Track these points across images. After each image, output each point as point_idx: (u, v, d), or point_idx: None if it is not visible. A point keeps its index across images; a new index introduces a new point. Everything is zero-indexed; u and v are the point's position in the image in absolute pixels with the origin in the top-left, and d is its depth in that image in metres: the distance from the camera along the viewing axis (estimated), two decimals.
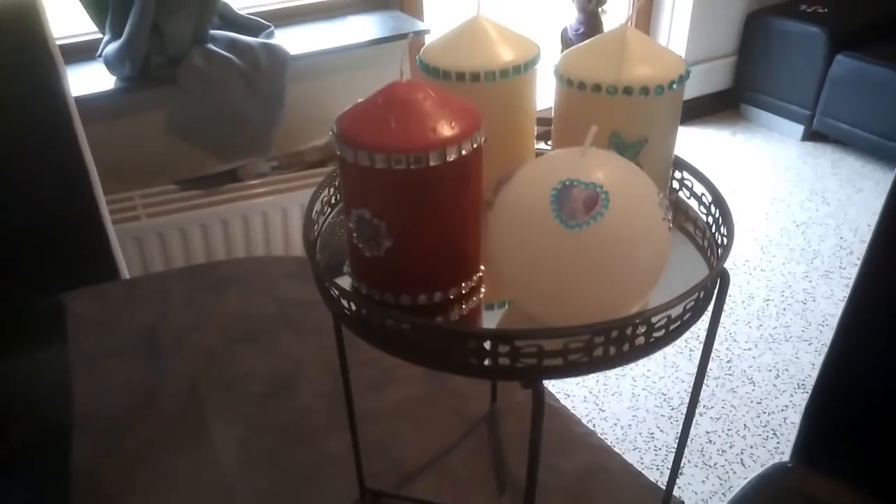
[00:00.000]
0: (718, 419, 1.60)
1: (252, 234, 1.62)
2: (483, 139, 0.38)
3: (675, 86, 0.42)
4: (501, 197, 0.37)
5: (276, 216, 1.61)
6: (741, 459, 1.51)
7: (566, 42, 2.16)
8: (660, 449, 1.54)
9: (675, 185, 0.50)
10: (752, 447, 1.53)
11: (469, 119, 0.37)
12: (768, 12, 2.47)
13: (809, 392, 1.65)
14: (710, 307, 0.41)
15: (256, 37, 1.59)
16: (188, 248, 1.58)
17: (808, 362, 1.73)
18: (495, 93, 0.45)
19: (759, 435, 1.56)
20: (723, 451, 1.53)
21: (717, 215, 0.45)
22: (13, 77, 0.98)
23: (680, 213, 0.49)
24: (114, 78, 1.51)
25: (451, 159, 0.36)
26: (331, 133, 0.38)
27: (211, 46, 1.52)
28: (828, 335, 1.79)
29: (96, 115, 1.50)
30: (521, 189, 0.36)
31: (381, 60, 1.79)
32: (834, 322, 1.79)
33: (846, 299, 0.92)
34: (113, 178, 1.54)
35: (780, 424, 1.58)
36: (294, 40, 1.64)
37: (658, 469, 1.49)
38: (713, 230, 0.45)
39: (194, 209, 1.56)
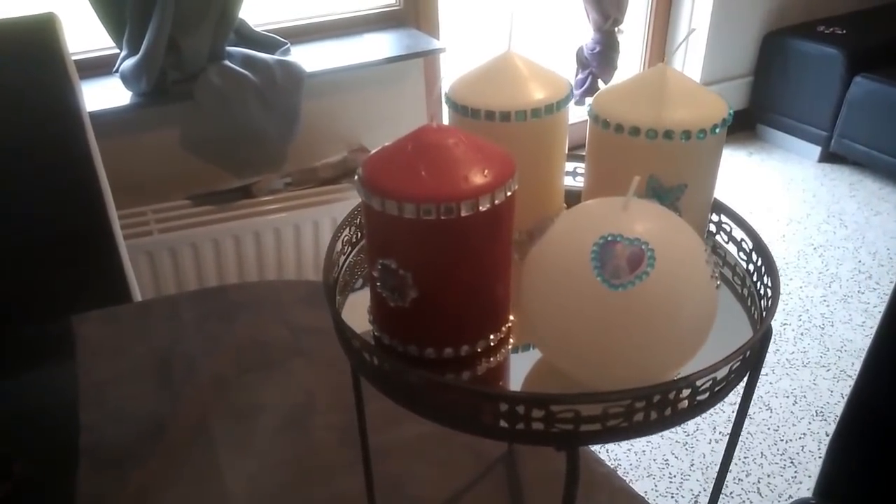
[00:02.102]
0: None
1: (264, 251, 1.61)
2: (516, 186, 0.36)
3: (717, 130, 0.40)
4: (537, 250, 0.35)
5: (288, 232, 1.60)
6: (758, 489, 1.47)
7: (582, 61, 2.15)
8: (674, 476, 1.50)
9: (713, 227, 0.47)
10: (769, 476, 1.50)
11: (502, 166, 0.35)
12: (785, 33, 2.45)
13: (827, 419, 1.61)
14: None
15: (272, 54, 1.58)
16: (200, 264, 1.57)
17: (825, 389, 1.69)
18: (526, 132, 0.43)
19: (777, 463, 1.52)
20: (739, 479, 1.49)
21: (759, 263, 0.43)
22: (29, 94, 0.98)
23: (717, 258, 0.46)
24: (130, 93, 1.51)
25: (483, 209, 0.34)
26: (356, 178, 0.36)
27: (227, 63, 1.51)
28: (846, 361, 1.76)
29: (112, 130, 1.50)
30: (559, 243, 0.34)
31: (397, 79, 1.78)
32: (852, 348, 1.76)
33: (873, 332, 0.89)
34: (126, 193, 1.53)
35: (797, 453, 1.55)
36: (310, 57, 1.63)
37: (673, 497, 1.46)
38: (755, 279, 0.43)
39: (207, 225, 1.55)
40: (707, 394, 0.34)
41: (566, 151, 0.47)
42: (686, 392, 0.33)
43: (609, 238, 0.32)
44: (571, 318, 0.33)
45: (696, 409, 0.34)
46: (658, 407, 0.33)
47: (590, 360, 0.33)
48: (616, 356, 0.32)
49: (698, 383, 0.33)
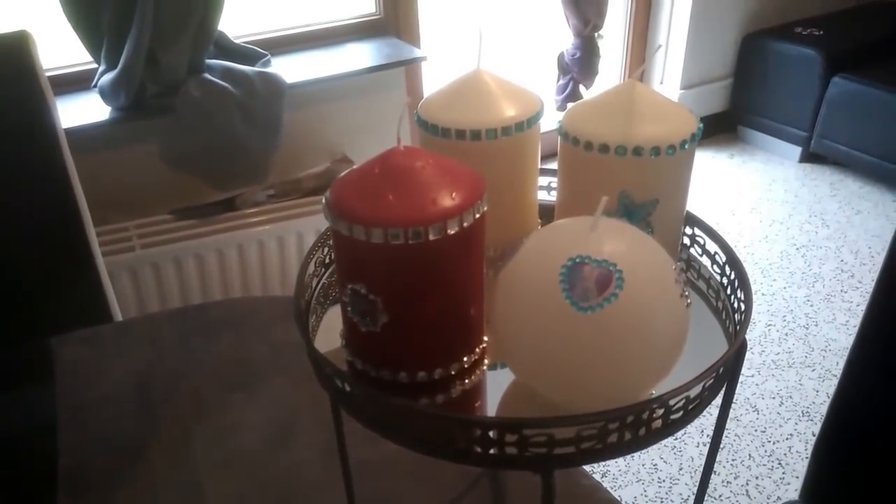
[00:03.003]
0: (722, 449, 1.57)
1: (248, 264, 1.60)
2: (485, 208, 0.36)
3: (687, 145, 0.40)
4: (507, 272, 0.35)
5: (272, 245, 1.59)
6: (746, 490, 1.48)
7: (563, 67, 2.16)
8: (663, 481, 1.50)
9: (686, 240, 0.47)
10: (757, 478, 1.50)
11: (471, 187, 0.35)
12: (764, 35, 2.47)
13: (814, 420, 1.62)
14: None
15: (253, 65, 1.57)
16: (183, 279, 1.56)
17: (811, 389, 1.70)
18: (497, 150, 0.43)
19: (765, 465, 1.53)
20: (728, 482, 1.50)
21: (732, 277, 0.43)
22: (2, 112, 0.97)
23: (691, 271, 0.46)
24: (109, 108, 1.49)
25: (451, 232, 0.34)
26: (323, 202, 0.36)
27: (207, 76, 1.50)
28: (831, 360, 1.77)
29: (92, 146, 1.49)
30: (528, 265, 0.34)
31: (378, 88, 1.78)
32: (836, 347, 1.78)
33: (855, 333, 0.89)
34: (108, 209, 1.52)
35: (785, 454, 1.55)
36: (291, 68, 1.63)
37: (662, 502, 1.46)
38: (728, 293, 0.43)
39: (189, 239, 1.54)
40: (681, 412, 0.34)
41: (539, 167, 0.47)
42: (660, 412, 0.33)
43: (577, 260, 0.32)
44: (542, 341, 0.33)
45: (671, 427, 0.34)
46: (632, 428, 0.33)
47: (562, 382, 0.33)
48: (588, 378, 0.32)
49: (671, 402, 0.33)
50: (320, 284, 0.46)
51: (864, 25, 2.50)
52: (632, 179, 0.41)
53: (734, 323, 0.41)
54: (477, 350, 0.39)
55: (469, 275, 0.36)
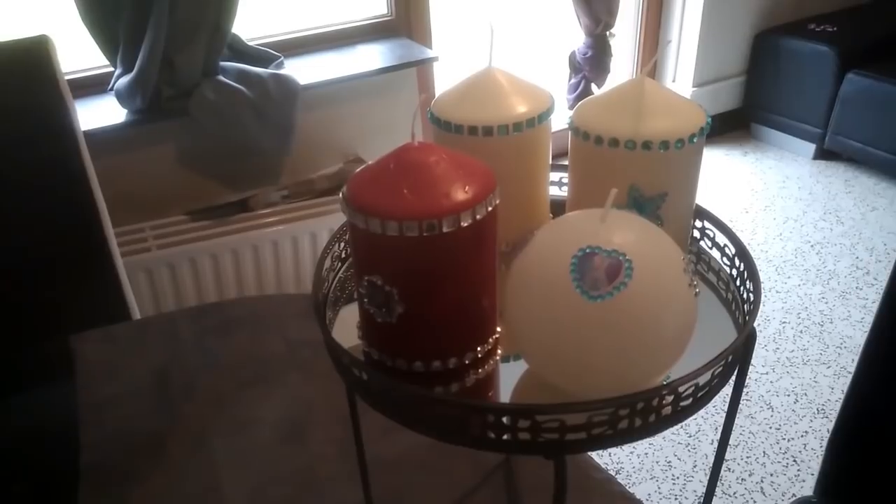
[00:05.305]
0: (737, 446, 1.56)
1: (262, 264, 1.61)
2: (497, 201, 0.37)
3: (695, 139, 0.41)
4: (518, 263, 0.36)
5: (286, 245, 1.61)
6: (761, 488, 1.47)
7: (574, 66, 2.16)
8: (677, 478, 1.50)
9: (696, 233, 0.48)
10: (772, 475, 1.50)
11: (483, 181, 0.36)
12: (777, 32, 2.46)
13: (829, 417, 1.61)
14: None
15: (266, 68, 1.59)
16: (198, 279, 1.58)
17: (826, 386, 1.69)
18: (509, 146, 0.44)
19: (780, 462, 1.52)
20: (742, 479, 1.49)
21: (741, 268, 0.43)
22: (23, 115, 0.99)
23: (701, 264, 0.47)
24: (125, 111, 1.52)
25: (465, 224, 0.35)
26: (341, 197, 0.37)
27: (221, 78, 1.52)
28: (846, 358, 1.76)
29: (108, 148, 1.51)
30: (540, 256, 0.34)
31: (391, 89, 1.79)
32: (852, 344, 1.76)
33: (869, 328, 0.89)
34: (124, 210, 1.54)
35: (800, 451, 1.54)
36: (304, 70, 1.64)
37: (676, 499, 1.46)
38: (738, 283, 0.43)
39: (205, 239, 1.56)
40: (690, 399, 0.35)
41: (549, 163, 0.48)
42: (669, 398, 0.34)
43: (587, 250, 0.32)
44: (553, 330, 0.33)
45: (681, 414, 0.35)
46: (642, 414, 0.33)
47: (573, 370, 0.34)
48: (598, 366, 0.33)
49: (681, 389, 0.34)
50: (336, 279, 0.47)
51: (878, 21, 2.48)
52: (641, 173, 0.41)
53: (743, 313, 0.42)
54: (490, 340, 0.40)
55: (482, 266, 0.37)
